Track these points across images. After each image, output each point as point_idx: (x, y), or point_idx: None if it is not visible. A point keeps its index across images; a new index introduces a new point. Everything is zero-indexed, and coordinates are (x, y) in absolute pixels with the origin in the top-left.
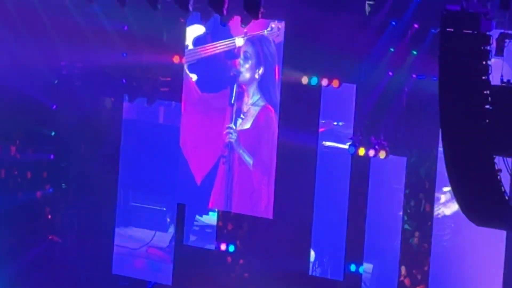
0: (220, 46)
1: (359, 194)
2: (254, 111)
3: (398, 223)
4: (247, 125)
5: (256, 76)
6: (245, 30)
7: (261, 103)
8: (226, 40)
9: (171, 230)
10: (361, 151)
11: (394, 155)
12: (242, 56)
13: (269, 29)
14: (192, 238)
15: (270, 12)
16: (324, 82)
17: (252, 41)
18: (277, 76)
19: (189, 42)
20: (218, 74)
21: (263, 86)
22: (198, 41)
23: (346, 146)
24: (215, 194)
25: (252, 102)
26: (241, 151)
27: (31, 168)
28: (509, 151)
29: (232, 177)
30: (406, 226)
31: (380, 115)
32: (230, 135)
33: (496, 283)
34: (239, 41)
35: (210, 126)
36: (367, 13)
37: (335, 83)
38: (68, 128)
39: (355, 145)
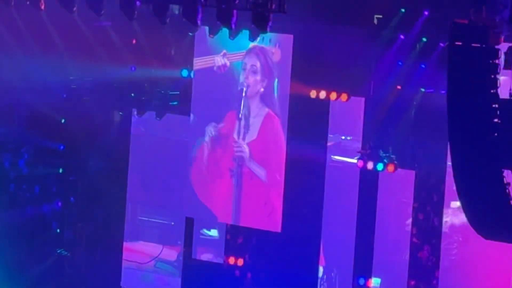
0: (199, 62)
1: (367, 208)
2: (258, 121)
3: (407, 237)
4: (254, 136)
5: (262, 89)
6: (224, 52)
7: (264, 112)
8: (204, 58)
9: (180, 245)
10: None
11: (403, 168)
12: (249, 69)
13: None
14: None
15: (278, 25)
16: (333, 96)
17: (256, 53)
18: (278, 88)
19: None
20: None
21: (266, 97)
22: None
23: (354, 160)
24: (223, 208)
25: (256, 113)
26: (252, 165)
27: (40, 182)
28: None
29: (240, 191)
30: (415, 240)
31: (388, 128)
32: (240, 150)
33: None
34: (219, 60)
35: (219, 155)
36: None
37: (344, 97)
38: (77, 142)
39: (364, 159)
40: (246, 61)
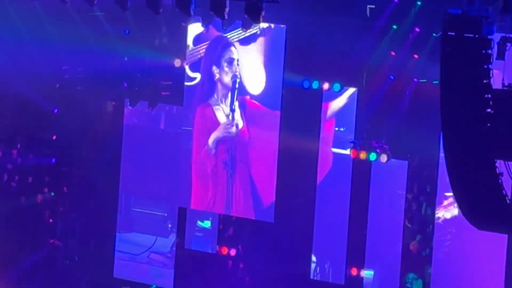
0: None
1: (360, 198)
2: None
3: (400, 227)
4: (240, 124)
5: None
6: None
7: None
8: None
9: (172, 236)
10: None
11: (396, 159)
12: (238, 59)
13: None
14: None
15: (271, 16)
16: (326, 86)
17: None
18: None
19: (189, 42)
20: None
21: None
22: (197, 40)
23: (347, 152)
24: (216, 198)
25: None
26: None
27: (33, 172)
28: (511, 155)
29: (233, 181)
30: (408, 231)
31: (381, 119)
32: (230, 129)
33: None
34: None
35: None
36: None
37: (336, 87)
38: (70, 132)
39: (357, 149)
40: (224, 54)
